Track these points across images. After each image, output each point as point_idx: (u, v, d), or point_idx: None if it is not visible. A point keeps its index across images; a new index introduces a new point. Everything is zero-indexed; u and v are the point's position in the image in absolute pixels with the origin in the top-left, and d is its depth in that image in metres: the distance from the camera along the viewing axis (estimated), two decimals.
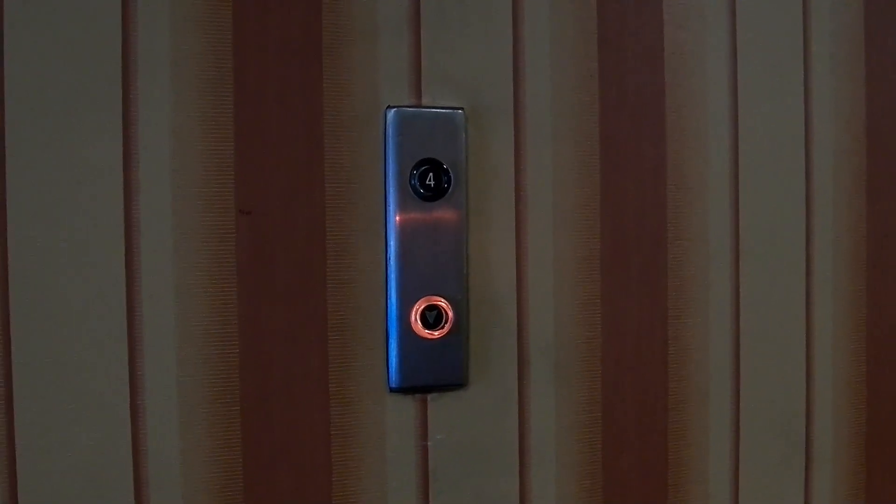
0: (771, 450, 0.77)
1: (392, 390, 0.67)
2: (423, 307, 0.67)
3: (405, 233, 0.66)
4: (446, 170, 0.66)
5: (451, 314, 0.67)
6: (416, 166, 0.66)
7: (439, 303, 0.67)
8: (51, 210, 0.60)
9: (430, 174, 0.66)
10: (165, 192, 0.62)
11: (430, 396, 0.68)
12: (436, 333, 0.67)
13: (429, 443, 0.68)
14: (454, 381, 0.68)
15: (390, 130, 0.66)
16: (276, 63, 0.64)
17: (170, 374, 0.63)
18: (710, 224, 0.74)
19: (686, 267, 0.74)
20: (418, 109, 0.66)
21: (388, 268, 0.67)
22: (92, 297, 0.61)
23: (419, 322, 0.67)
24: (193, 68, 0.62)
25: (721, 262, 0.74)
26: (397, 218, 0.66)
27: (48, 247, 0.60)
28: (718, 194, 0.74)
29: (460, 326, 0.68)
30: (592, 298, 0.72)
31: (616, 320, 0.72)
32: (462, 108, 0.67)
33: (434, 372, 0.68)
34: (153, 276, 0.62)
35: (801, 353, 0.77)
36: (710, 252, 0.74)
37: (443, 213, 0.67)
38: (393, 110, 0.66)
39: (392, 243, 0.66)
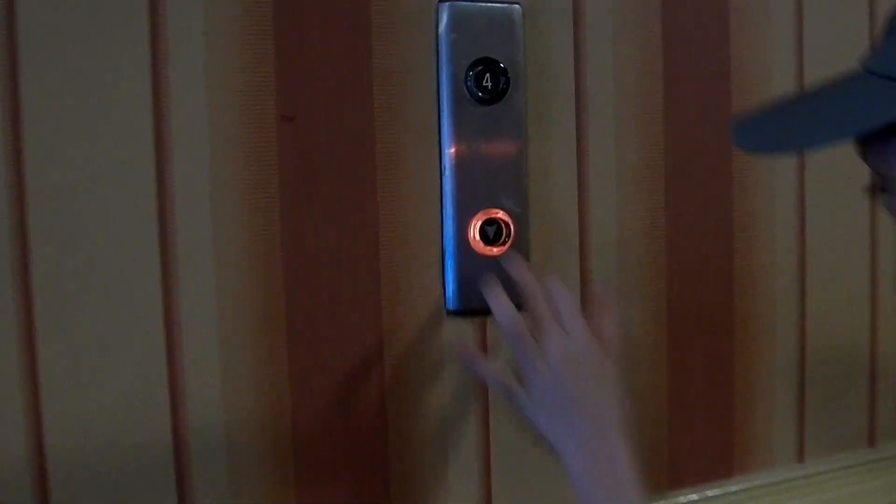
0: (835, 365, 0.74)
1: (449, 313, 0.62)
2: (481, 221, 0.62)
3: (461, 140, 0.61)
4: (504, 69, 0.61)
5: (512, 228, 0.62)
6: (472, 66, 0.60)
7: (499, 216, 0.62)
8: (73, 119, 0.53)
9: (487, 74, 0.61)
10: (199, 98, 0.55)
11: (490, 319, 0.63)
12: (496, 250, 0.62)
13: None
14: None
15: (443, 27, 0.60)
16: None
17: (208, 302, 0.56)
18: None
19: (749, 175, 0.69)
20: (473, 3, 0.61)
21: (443, 178, 0.61)
22: (121, 215, 0.54)
23: (478, 237, 0.62)
24: None
25: (786, 169, 0.70)
26: (452, 123, 0.61)
27: (70, 161, 0.53)
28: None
29: (521, 242, 0.63)
30: (656, 210, 0.67)
31: (680, 233, 0.68)
32: (519, 3, 0.62)
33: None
34: (187, 192, 0.55)
35: (866, 268, 0.74)
36: (774, 160, 0.70)
37: (501, 117, 0.61)
38: (446, 4, 0.60)
39: (447, 151, 0.61)
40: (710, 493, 0.70)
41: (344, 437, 0.60)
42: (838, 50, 0.71)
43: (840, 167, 0.70)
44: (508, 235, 0.62)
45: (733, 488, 0.70)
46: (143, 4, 0.54)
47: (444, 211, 0.61)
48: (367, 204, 0.60)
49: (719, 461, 0.70)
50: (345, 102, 0.59)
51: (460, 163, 0.61)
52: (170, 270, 0.56)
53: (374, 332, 0.61)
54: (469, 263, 0.62)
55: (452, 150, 0.61)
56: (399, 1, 0.59)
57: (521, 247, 0.63)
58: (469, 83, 0.60)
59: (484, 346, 0.63)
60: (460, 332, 0.63)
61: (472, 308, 0.62)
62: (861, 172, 0.49)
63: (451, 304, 0.62)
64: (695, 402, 0.69)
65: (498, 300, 0.56)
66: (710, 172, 0.68)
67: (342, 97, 0.59)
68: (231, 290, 0.57)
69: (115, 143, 0.54)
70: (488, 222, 0.62)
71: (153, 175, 0.55)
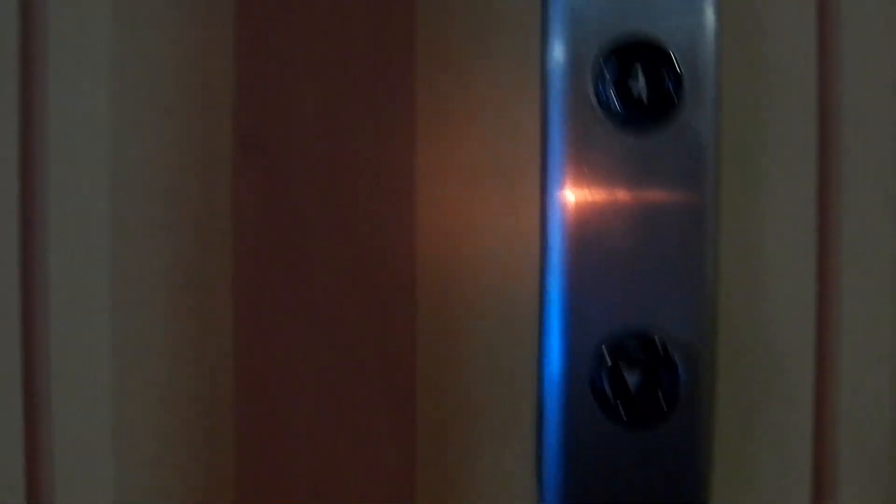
0: None
1: None
2: (616, 353, 0.31)
3: (583, 195, 0.31)
4: (672, 61, 0.31)
5: (680, 372, 0.31)
6: (608, 55, 0.31)
7: (654, 347, 0.31)
8: None
9: (639, 70, 0.31)
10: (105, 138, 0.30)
11: None
12: (645, 413, 0.31)
13: None
14: None
15: None
16: None
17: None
18: None
19: None
20: None
21: (545, 268, 0.31)
22: None
23: (610, 388, 0.31)
24: None
25: None
26: (565, 163, 0.31)
27: None
28: None
29: (697, 405, 0.31)
30: None
31: None
32: None
33: (636, 491, 0.31)
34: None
35: None
36: None
37: (663, 153, 0.31)
38: None
39: (553, 216, 0.31)
40: None
41: None
42: None
43: None
44: (674, 388, 0.31)
45: None
46: None
47: (544, 334, 0.31)
48: (391, 324, 0.31)
49: None
50: (344, 121, 0.31)
51: (579, 240, 0.31)
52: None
53: None
54: (589, 437, 0.31)
55: (565, 214, 0.31)
56: None
57: (698, 415, 0.31)
58: (602, 85, 0.31)
59: None
60: None
61: None
62: None
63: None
64: None
65: None
66: None
67: (339, 113, 0.31)
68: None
69: None
70: (631, 358, 0.31)
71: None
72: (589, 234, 0.31)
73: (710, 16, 0.31)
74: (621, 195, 0.31)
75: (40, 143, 0.31)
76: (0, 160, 0.31)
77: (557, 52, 0.31)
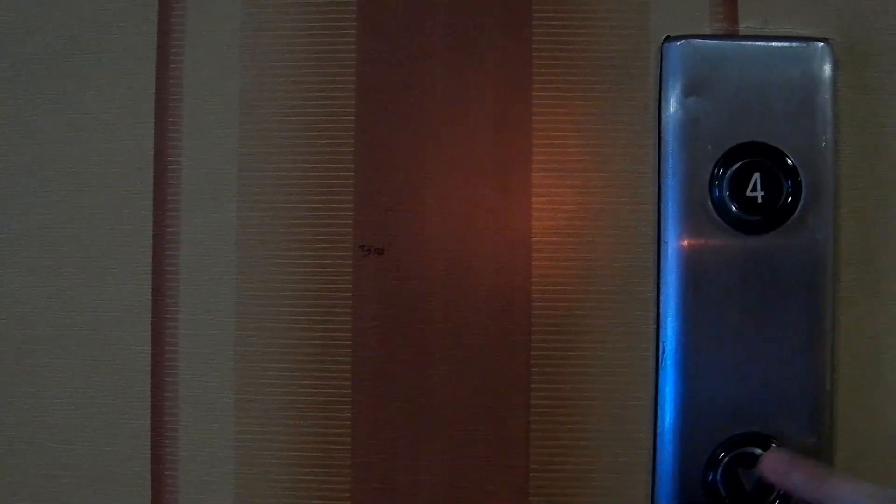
0: None
1: None
2: (732, 457, 0.31)
3: (700, 299, 0.31)
4: (791, 166, 0.31)
5: (793, 477, 0.31)
6: (726, 159, 0.31)
7: (769, 447, 0.31)
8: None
9: (756, 175, 0.31)
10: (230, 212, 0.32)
11: None
12: None
13: None
14: None
15: (671, 84, 0.32)
16: None
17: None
18: None
19: None
20: (730, 42, 0.32)
21: (660, 370, 0.32)
22: None
23: (724, 489, 0.31)
24: None
25: None
26: (684, 266, 0.31)
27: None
28: None
29: None
30: None
31: None
32: (828, 40, 0.32)
33: None
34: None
35: None
36: None
37: (783, 257, 0.31)
38: (676, 44, 0.32)
39: (670, 320, 0.32)
40: None
41: None
42: None
43: None
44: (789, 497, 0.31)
45: None
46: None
47: (658, 436, 0.32)
48: (507, 416, 0.32)
49: None
50: (476, 220, 0.32)
51: (698, 344, 0.31)
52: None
53: None
54: None
55: (682, 317, 0.31)
56: (592, 41, 0.32)
57: None
58: (719, 189, 0.31)
59: None
60: None
61: None
62: None
63: None
64: None
65: None
66: None
67: (458, 214, 0.32)
68: None
69: None
70: (746, 458, 0.31)
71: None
72: (704, 333, 0.31)
73: (828, 121, 0.31)
74: (741, 298, 0.31)
75: (171, 265, 0.33)
76: (135, 277, 0.33)
77: (676, 154, 0.32)
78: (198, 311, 0.33)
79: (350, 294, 0.32)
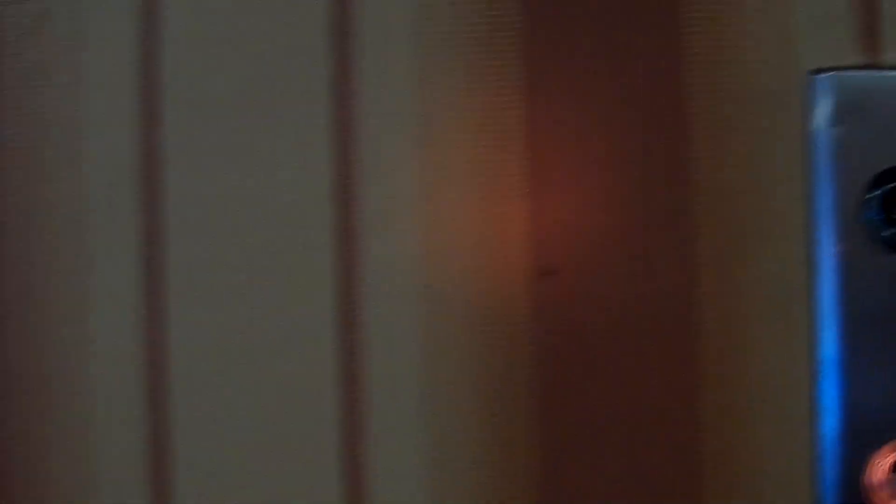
0: None
1: None
2: (893, 463, 0.33)
3: (854, 313, 0.34)
4: None
5: None
6: (877, 183, 0.34)
7: None
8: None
9: None
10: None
11: None
12: None
13: None
14: None
15: (821, 117, 0.34)
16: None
17: None
18: None
19: None
20: (877, 74, 0.34)
21: (821, 380, 0.34)
22: None
23: (885, 486, 0.33)
24: None
25: None
26: (839, 284, 0.34)
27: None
28: None
29: None
30: None
31: None
32: None
33: None
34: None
35: None
36: None
37: None
38: (825, 77, 0.34)
39: (827, 334, 0.34)
40: None
41: None
42: None
43: None
44: None
45: None
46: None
47: (821, 440, 0.34)
48: (673, 426, 0.35)
49: None
50: (647, 249, 0.35)
51: (854, 355, 0.34)
52: None
53: None
54: None
55: (838, 330, 0.34)
56: (736, 75, 0.35)
57: None
58: (871, 213, 0.33)
59: None
60: None
61: None
62: None
63: None
64: None
65: None
66: None
67: (634, 246, 0.35)
68: None
69: None
70: None
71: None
72: (863, 361, 0.34)
73: None
74: (889, 306, 0.34)
75: (357, 293, 0.36)
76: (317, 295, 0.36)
77: (828, 182, 0.34)
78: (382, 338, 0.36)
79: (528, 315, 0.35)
